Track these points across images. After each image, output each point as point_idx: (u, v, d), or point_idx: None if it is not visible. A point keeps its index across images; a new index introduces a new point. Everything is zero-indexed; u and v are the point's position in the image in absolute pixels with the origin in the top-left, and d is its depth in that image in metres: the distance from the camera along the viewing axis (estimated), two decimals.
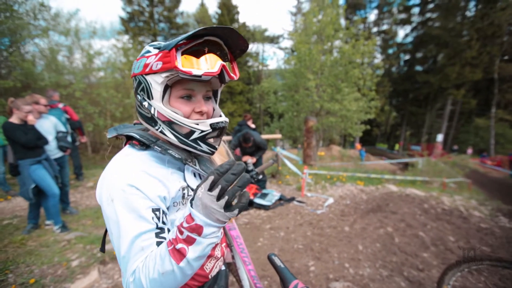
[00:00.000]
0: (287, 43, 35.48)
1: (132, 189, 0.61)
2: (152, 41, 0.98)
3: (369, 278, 2.50)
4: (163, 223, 0.64)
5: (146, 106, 0.69)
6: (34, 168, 2.96)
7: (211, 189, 0.52)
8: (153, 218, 0.62)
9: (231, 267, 1.27)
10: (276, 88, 13.40)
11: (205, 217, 0.53)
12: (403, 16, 30.62)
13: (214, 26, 0.62)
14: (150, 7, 23.27)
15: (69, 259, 2.55)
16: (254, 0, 79.72)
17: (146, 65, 0.66)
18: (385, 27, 32.30)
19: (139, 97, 0.71)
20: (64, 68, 8.84)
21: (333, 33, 10.64)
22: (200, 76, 0.63)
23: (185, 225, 0.54)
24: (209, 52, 0.66)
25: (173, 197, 0.69)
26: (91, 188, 5.19)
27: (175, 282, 0.56)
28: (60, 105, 4.46)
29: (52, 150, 3.48)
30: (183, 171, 0.75)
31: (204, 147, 0.72)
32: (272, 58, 61.86)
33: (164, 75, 0.64)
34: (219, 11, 27.47)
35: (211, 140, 0.72)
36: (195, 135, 0.69)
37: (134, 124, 0.82)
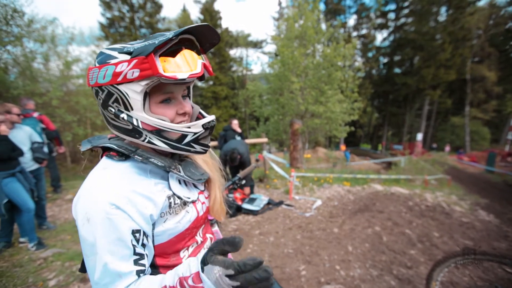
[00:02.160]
0: (270, 48, 35.78)
1: (113, 209, 0.57)
2: None
3: (360, 279, 2.51)
4: (143, 245, 0.62)
5: (126, 118, 0.64)
6: (7, 181, 2.76)
7: (229, 276, 0.51)
8: (131, 240, 0.59)
9: None
10: (261, 91, 13.43)
11: (214, 286, 0.53)
12: (380, 21, 31.85)
13: (194, 25, 0.61)
14: (131, 13, 22.79)
15: (45, 278, 2.38)
16: (237, 6, 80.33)
17: (117, 74, 0.59)
18: (364, 31, 33.42)
19: (113, 110, 0.65)
20: (39, 75, 8.42)
21: (315, 35, 10.82)
22: (185, 79, 0.61)
23: (190, 282, 0.55)
24: (186, 48, 0.65)
25: (160, 209, 0.66)
26: (70, 200, 4.93)
27: None
28: (35, 114, 4.22)
29: (27, 162, 3.26)
30: (167, 179, 0.72)
31: (198, 148, 0.71)
32: (256, 62, 62.30)
33: (143, 83, 0.60)
34: (201, 16, 27.39)
35: (202, 140, 0.72)
36: (188, 139, 0.68)
37: (109, 138, 0.75)
